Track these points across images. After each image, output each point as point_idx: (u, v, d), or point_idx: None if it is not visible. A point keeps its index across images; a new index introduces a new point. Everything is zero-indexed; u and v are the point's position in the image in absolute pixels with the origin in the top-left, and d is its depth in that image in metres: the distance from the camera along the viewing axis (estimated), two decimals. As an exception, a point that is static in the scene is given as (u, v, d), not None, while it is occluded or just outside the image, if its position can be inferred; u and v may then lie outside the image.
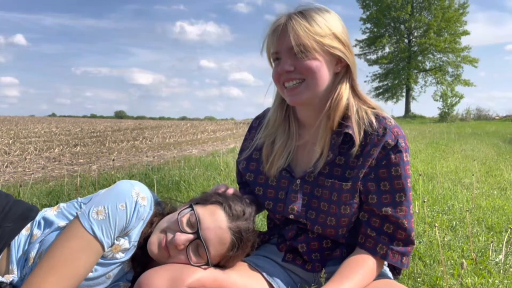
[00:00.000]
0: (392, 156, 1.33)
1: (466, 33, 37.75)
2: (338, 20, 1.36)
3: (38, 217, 1.41)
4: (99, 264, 1.31)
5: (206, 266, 1.30)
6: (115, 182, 4.15)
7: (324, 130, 1.38)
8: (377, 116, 1.38)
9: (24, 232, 1.37)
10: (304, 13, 1.33)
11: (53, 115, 66.65)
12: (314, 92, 1.34)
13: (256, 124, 1.62)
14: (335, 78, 1.38)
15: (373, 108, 1.41)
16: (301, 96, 1.35)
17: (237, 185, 1.67)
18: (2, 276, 1.30)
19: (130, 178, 4.40)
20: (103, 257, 1.31)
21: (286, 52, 1.33)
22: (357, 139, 1.34)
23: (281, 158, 1.46)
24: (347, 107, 1.37)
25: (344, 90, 1.37)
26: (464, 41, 47.05)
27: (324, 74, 1.33)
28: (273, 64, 1.40)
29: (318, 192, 1.41)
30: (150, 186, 1.39)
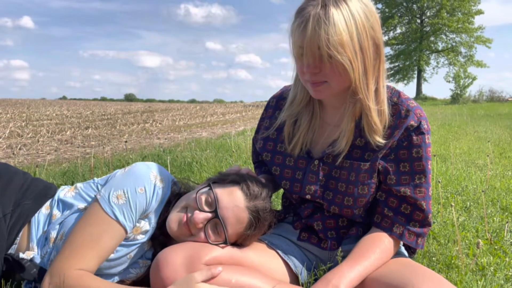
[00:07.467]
0: (414, 137, 1.32)
1: (480, 12, 36.87)
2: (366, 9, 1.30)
3: (56, 196, 1.42)
4: (120, 245, 1.33)
5: (223, 245, 1.31)
6: (128, 163, 4.19)
7: (348, 113, 1.34)
8: (399, 97, 1.36)
9: (44, 210, 1.39)
10: (339, 5, 1.20)
11: (64, 98, 66.92)
12: (336, 91, 1.30)
13: (274, 103, 1.59)
14: None
15: (392, 88, 1.39)
16: (324, 93, 1.30)
17: (250, 166, 1.67)
18: (23, 253, 1.33)
19: (142, 159, 4.43)
20: (124, 239, 1.33)
21: (311, 51, 1.21)
22: (378, 121, 1.32)
23: (306, 138, 1.44)
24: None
25: None
26: (477, 21, 45.98)
27: (347, 76, 1.25)
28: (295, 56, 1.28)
29: (336, 173, 1.40)
30: (163, 167, 1.40)
